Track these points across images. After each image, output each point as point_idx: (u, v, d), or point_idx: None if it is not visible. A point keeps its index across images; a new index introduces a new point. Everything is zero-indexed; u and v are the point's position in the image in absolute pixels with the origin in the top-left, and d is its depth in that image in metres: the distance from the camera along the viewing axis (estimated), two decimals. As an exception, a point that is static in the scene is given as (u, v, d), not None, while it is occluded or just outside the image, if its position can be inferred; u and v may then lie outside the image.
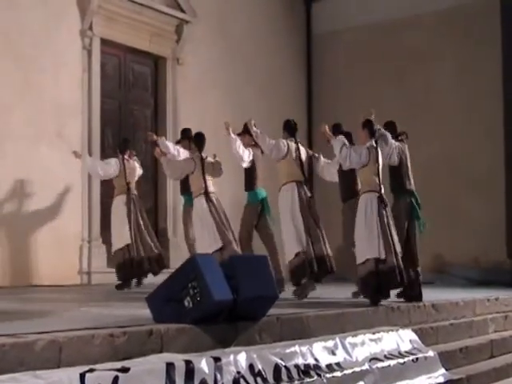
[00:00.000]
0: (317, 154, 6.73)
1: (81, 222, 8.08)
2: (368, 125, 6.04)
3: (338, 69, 11.28)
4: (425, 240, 10.52)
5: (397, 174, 6.28)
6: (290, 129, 6.54)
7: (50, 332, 3.29)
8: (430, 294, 6.59)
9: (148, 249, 7.33)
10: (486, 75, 10.23)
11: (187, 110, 9.26)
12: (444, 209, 10.21)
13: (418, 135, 10.39)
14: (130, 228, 7.26)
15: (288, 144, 6.40)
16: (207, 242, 6.56)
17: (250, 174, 7.03)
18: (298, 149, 6.43)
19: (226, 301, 3.89)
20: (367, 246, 5.65)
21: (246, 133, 6.86)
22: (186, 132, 7.56)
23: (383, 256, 5.57)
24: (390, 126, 6.45)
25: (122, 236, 7.28)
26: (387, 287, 5.63)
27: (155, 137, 7.43)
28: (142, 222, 7.39)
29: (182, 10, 9.33)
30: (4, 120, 7.33)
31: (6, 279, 7.12)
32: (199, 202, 6.72)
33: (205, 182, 6.72)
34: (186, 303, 3.77)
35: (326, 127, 6.35)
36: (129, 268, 7.22)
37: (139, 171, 7.68)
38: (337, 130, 6.71)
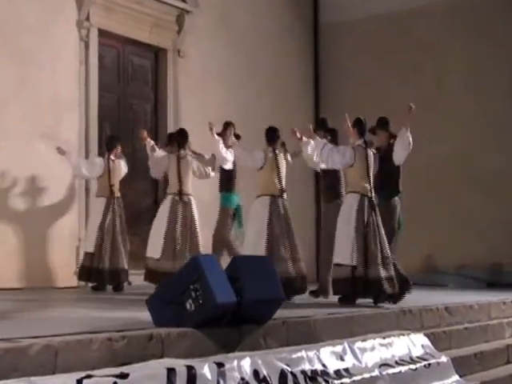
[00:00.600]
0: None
1: (77, 222, 7.88)
2: (358, 124, 5.94)
3: (346, 60, 11.11)
4: (434, 241, 10.37)
5: (397, 174, 6.20)
6: (269, 137, 6.42)
7: (46, 336, 3.17)
8: (442, 297, 6.48)
9: (114, 261, 7.13)
10: (499, 68, 10.07)
11: (189, 105, 9.09)
12: (453, 208, 10.09)
13: (426, 128, 10.29)
14: (98, 237, 7.12)
15: (266, 154, 6.31)
16: (152, 246, 6.65)
17: (229, 175, 6.98)
18: (276, 159, 6.31)
19: (230, 303, 3.78)
20: (342, 250, 5.64)
21: (226, 132, 6.87)
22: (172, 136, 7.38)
23: (355, 263, 5.56)
24: (384, 122, 6.34)
25: (89, 241, 7.20)
26: (357, 294, 5.63)
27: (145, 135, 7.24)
28: (118, 230, 7.18)
29: (183, 0, 9.12)
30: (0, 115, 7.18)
31: (1, 281, 6.93)
32: (166, 202, 6.70)
33: (179, 182, 6.65)
34: (188, 306, 3.67)
35: (311, 127, 6.25)
36: (89, 273, 7.15)
37: (124, 170, 7.51)
38: (322, 124, 6.60)
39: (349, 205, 5.74)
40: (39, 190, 7.59)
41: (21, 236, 7.36)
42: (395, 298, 5.78)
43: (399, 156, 6.12)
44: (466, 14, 10.36)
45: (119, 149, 7.50)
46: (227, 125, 7.05)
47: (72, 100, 7.92)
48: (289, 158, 6.59)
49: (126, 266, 7.23)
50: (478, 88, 10.15)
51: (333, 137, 6.44)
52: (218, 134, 6.82)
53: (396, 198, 6.26)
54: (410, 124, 6.08)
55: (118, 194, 7.33)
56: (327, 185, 6.57)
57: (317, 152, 5.94)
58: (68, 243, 7.77)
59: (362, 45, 11.00)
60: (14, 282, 7.15)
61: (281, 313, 4.22)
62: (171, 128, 8.92)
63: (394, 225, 6.15)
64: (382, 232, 5.73)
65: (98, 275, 7.12)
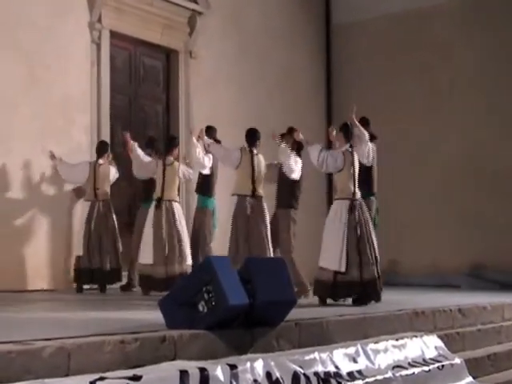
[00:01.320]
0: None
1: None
2: (344, 128, 6.01)
3: (358, 60, 11.02)
4: (451, 242, 10.18)
5: (369, 176, 6.28)
6: (248, 138, 6.48)
7: (59, 338, 3.17)
8: (456, 298, 6.41)
9: (104, 261, 7.16)
10: (511, 68, 9.94)
11: (200, 106, 9.06)
12: (462, 208, 10.00)
13: (437, 127, 10.21)
14: (85, 241, 7.18)
15: (242, 154, 6.38)
16: (143, 252, 6.68)
17: (210, 179, 7.08)
18: (252, 160, 6.33)
19: (242, 305, 3.76)
20: (330, 255, 5.71)
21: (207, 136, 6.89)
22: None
23: (343, 269, 5.64)
24: (365, 122, 6.37)
25: (78, 244, 7.27)
26: (343, 296, 5.76)
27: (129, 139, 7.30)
28: (104, 233, 7.19)
29: (195, 1, 9.10)
30: (9, 117, 7.15)
31: (8, 283, 6.84)
32: (152, 209, 6.73)
33: (161, 188, 6.69)
34: (201, 308, 3.65)
35: (301, 135, 6.31)
36: (80, 276, 7.19)
37: (115, 175, 7.51)
38: (291, 133, 6.67)
39: (338, 211, 5.82)
40: (50, 192, 7.59)
41: (31, 238, 7.34)
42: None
43: (360, 153, 6.18)
44: (478, 12, 10.25)
45: (110, 155, 7.54)
46: (209, 129, 7.07)
47: (83, 101, 7.92)
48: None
49: (116, 266, 7.24)
50: (489, 87, 10.05)
51: (298, 147, 6.52)
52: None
53: (372, 198, 6.34)
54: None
55: (105, 197, 7.32)
56: (282, 192, 6.71)
57: (313, 156, 6.02)
58: (78, 245, 7.75)
59: (374, 45, 10.91)
60: (26, 284, 7.16)
61: (293, 314, 4.20)
62: (183, 129, 8.93)
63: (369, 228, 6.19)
64: (373, 232, 5.83)
65: (90, 276, 7.17)
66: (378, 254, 5.83)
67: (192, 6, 9.07)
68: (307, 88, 10.95)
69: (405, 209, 10.33)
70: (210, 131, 7.06)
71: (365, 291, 5.70)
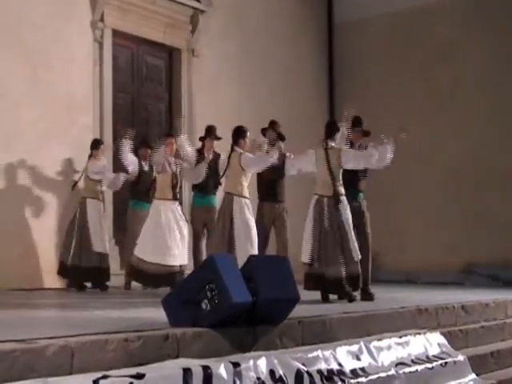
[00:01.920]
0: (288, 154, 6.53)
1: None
2: (327, 126, 6.09)
3: (360, 58, 11.02)
4: (453, 241, 10.19)
5: (359, 174, 6.28)
6: (232, 136, 6.35)
7: (62, 337, 3.17)
8: (459, 295, 6.39)
9: (74, 259, 7.13)
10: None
11: (203, 105, 9.08)
12: (471, 207, 9.98)
13: (439, 127, 10.19)
14: (68, 235, 7.19)
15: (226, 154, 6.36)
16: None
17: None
18: (228, 160, 6.25)
19: (245, 303, 3.76)
20: (304, 249, 5.89)
21: (208, 136, 6.90)
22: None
23: (310, 261, 5.79)
24: (358, 121, 6.35)
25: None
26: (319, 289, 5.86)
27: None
28: (82, 230, 7.15)
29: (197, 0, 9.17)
30: (12, 116, 7.18)
31: (12, 282, 6.86)
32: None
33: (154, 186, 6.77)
34: (204, 306, 3.65)
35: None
36: (60, 270, 7.22)
37: (107, 175, 7.44)
38: (272, 126, 6.65)
39: (310, 207, 5.93)
40: (55, 192, 7.61)
41: (34, 237, 7.36)
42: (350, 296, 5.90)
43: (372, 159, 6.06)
44: (479, 12, 10.23)
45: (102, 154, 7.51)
46: (210, 128, 7.03)
47: (86, 101, 7.93)
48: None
49: (97, 265, 7.19)
50: (490, 87, 10.02)
51: (281, 140, 6.48)
52: (202, 139, 6.97)
53: (361, 196, 6.33)
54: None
55: (90, 195, 7.28)
56: (263, 183, 6.65)
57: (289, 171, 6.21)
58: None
59: (376, 43, 10.91)
60: (28, 283, 7.14)
61: (296, 312, 4.19)
62: (186, 127, 8.91)
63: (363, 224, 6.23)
64: (347, 231, 5.82)
65: (65, 271, 7.19)
66: (349, 254, 5.80)
67: (194, 4, 9.08)
68: (309, 86, 10.95)
69: (405, 208, 10.34)
70: (210, 130, 7.04)
71: (330, 288, 5.79)
